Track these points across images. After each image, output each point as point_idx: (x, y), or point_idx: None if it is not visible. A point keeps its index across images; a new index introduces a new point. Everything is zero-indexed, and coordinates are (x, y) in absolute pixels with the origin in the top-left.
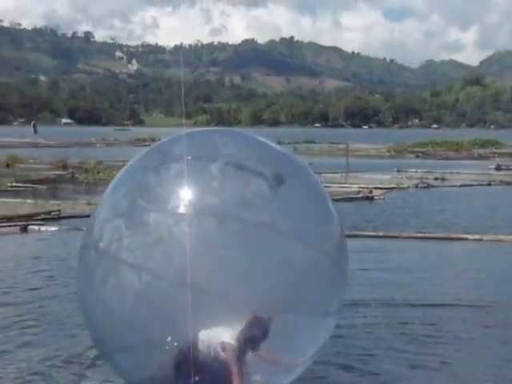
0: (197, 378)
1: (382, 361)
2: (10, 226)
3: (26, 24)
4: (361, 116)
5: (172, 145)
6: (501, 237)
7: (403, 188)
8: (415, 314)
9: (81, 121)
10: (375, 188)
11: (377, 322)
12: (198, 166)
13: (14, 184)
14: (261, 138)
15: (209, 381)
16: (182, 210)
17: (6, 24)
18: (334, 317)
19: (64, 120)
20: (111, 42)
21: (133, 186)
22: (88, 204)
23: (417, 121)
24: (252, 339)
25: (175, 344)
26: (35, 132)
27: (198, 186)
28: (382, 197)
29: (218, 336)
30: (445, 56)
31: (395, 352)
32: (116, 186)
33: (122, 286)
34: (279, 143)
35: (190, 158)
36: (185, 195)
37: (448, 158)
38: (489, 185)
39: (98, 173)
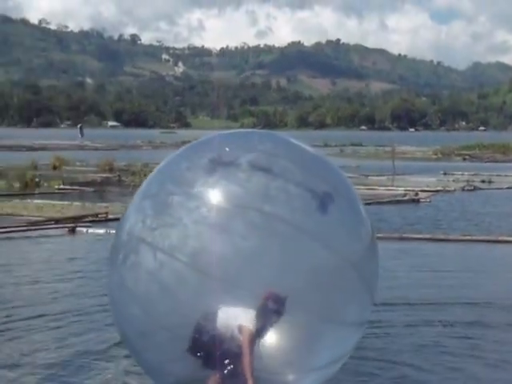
0: (211, 358)
1: None
2: (58, 227)
3: (73, 26)
4: (407, 119)
5: (208, 140)
6: None
7: (449, 191)
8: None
9: (127, 123)
10: (421, 191)
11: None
12: (230, 156)
13: (61, 186)
14: (295, 141)
15: (222, 361)
16: (204, 195)
17: (53, 27)
18: (353, 327)
19: (110, 123)
20: (157, 44)
21: (165, 171)
22: None
23: (464, 123)
24: (267, 318)
25: (185, 330)
26: (82, 135)
27: (225, 175)
28: (428, 199)
29: (235, 318)
30: (492, 58)
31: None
32: (152, 174)
33: (139, 264)
34: (325, 146)
35: (226, 148)
36: (211, 182)
37: (495, 161)
38: None
39: (145, 175)
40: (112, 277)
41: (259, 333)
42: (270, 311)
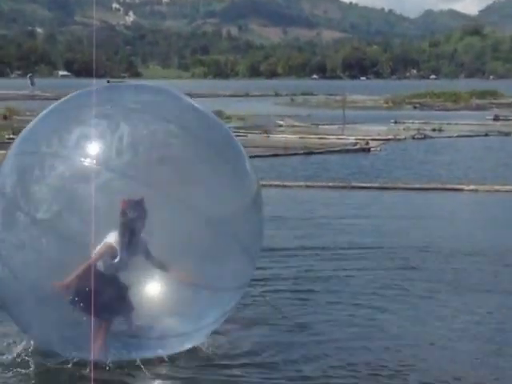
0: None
1: None
2: None
3: None
4: (359, 67)
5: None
6: (497, 187)
7: (400, 139)
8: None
9: (78, 73)
10: (372, 139)
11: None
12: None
13: (11, 136)
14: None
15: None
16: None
17: None
18: (230, 292)
19: (61, 72)
20: None
21: (34, 130)
22: None
23: (415, 71)
24: (134, 227)
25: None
26: (32, 84)
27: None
28: (378, 148)
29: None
30: (444, 6)
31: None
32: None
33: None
34: (276, 95)
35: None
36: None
37: (446, 109)
38: (486, 135)
39: None
40: None
41: (132, 244)
42: (134, 220)
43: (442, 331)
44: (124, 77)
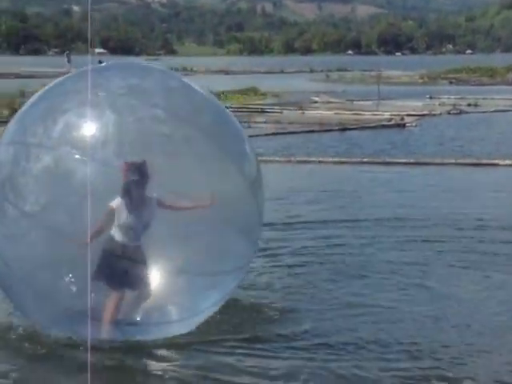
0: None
1: None
2: None
3: None
4: (394, 43)
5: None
6: None
7: (436, 115)
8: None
9: (114, 51)
10: (407, 115)
11: None
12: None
13: None
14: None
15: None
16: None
17: None
18: (230, 275)
19: (97, 50)
20: None
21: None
22: None
23: (451, 47)
24: (137, 188)
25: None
26: (69, 62)
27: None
28: (413, 124)
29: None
30: None
31: None
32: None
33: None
34: (311, 71)
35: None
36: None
37: (482, 84)
38: None
39: None
40: None
41: (133, 204)
42: (136, 181)
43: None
44: (159, 54)
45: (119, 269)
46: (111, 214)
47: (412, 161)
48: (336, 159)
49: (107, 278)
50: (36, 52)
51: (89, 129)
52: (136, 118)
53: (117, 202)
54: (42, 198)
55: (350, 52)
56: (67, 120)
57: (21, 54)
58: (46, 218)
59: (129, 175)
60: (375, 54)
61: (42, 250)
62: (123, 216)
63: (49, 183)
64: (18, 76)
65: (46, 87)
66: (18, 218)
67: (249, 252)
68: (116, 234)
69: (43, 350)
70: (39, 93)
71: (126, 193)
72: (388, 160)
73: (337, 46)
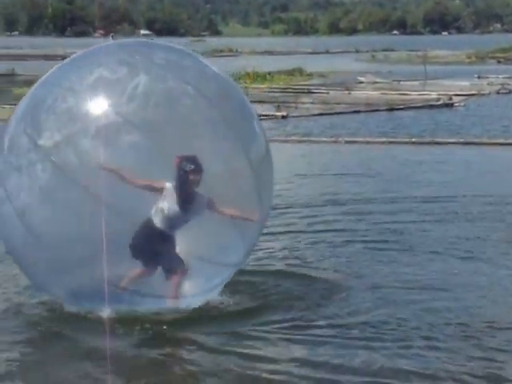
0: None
1: None
2: None
3: None
4: (440, 22)
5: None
6: None
7: (484, 94)
8: None
9: (159, 32)
10: (455, 95)
11: None
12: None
13: None
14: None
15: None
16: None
17: None
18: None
19: (143, 31)
20: None
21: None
22: None
23: (498, 26)
24: (190, 179)
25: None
26: None
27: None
28: (462, 103)
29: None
30: None
31: None
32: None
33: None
34: (357, 51)
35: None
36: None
37: None
38: None
39: None
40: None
41: (181, 198)
42: (188, 173)
43: None
44: (204, 35)
45: (152, 250)
46: (158, 189)
47: (461, 140)
48: (384, 139)
49: (142, 256)
50: (82, 34)
51: (118, 82)
52: (166, 86)
53: (169, 186)
54: (57, 135)
55: (395, 32)
56: (101, 73)
57: (67, 36)
58: (54, 155)
59: (183, 166)
60: (421, 33)
61: (42, 185)
62: (166, 204)
63: (67, 123)
64: (63, 58)
65: (87, 49)
66: (30, 150)
67: (240, 252)
68: (155, 218)
69: (58, 327)
70: (80, 52)
71: (179, 185)
72: (436, 140)
73: (382, 26)
